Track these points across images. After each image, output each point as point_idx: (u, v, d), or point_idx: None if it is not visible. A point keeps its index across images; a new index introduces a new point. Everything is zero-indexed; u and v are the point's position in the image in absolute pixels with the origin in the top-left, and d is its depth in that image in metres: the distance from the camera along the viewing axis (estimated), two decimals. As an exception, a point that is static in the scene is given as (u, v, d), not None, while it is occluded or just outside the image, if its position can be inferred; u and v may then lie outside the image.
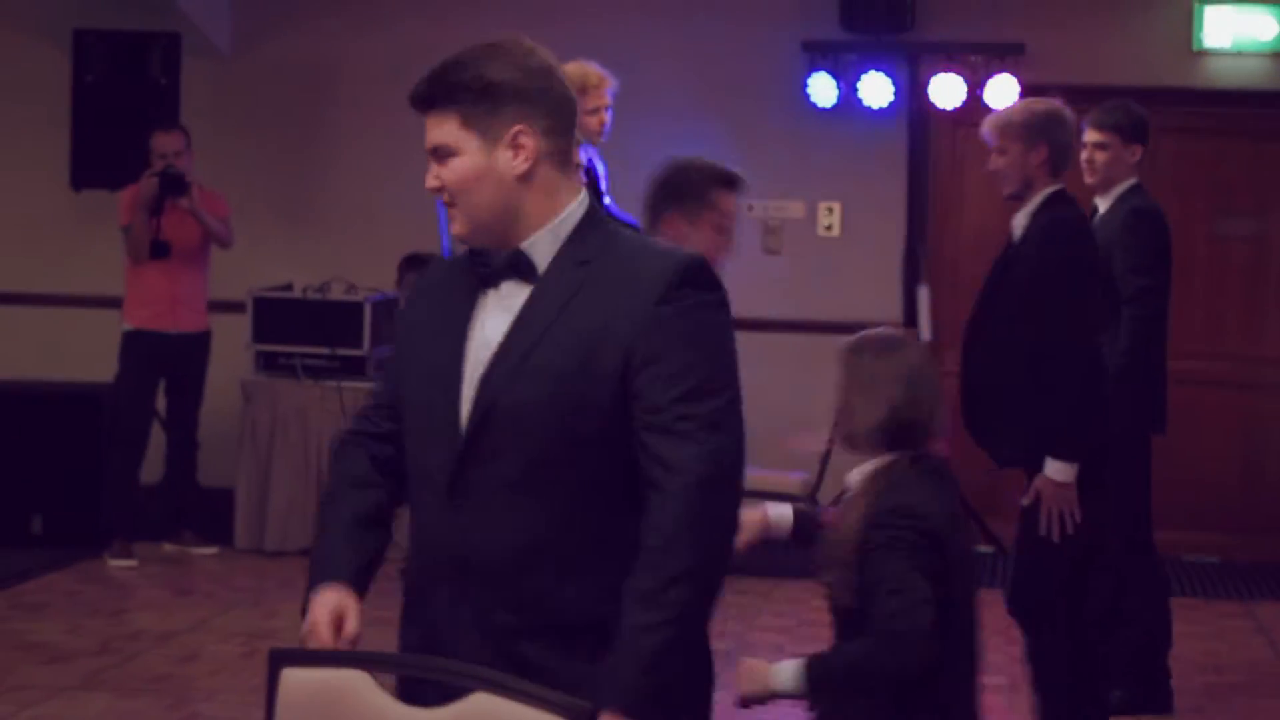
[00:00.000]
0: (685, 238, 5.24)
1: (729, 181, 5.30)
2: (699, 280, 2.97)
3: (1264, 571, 10.12)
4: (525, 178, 3.00)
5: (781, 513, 4.44)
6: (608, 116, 7.73)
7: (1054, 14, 10.26)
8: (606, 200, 8.49)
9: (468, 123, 3.00)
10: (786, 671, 4.21)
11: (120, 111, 10.28)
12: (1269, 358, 10.50)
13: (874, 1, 10.14)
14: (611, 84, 7.78)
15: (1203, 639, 8.45)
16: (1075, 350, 5.75)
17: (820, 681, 4.19)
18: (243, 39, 10.77)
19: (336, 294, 9.96)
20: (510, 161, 2.99)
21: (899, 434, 4.19)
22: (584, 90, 7.64)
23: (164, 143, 9.32)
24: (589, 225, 3.06)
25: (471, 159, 3.00)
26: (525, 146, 3.00)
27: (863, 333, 4.29)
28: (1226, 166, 10.45)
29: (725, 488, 2.95)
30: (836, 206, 10.54)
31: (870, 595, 4.17)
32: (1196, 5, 10.23)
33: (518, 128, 2.99)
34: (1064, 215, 5.95)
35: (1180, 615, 8.60)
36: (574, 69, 7.72)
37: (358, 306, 9.78)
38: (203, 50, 10.46)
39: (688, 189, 5.30)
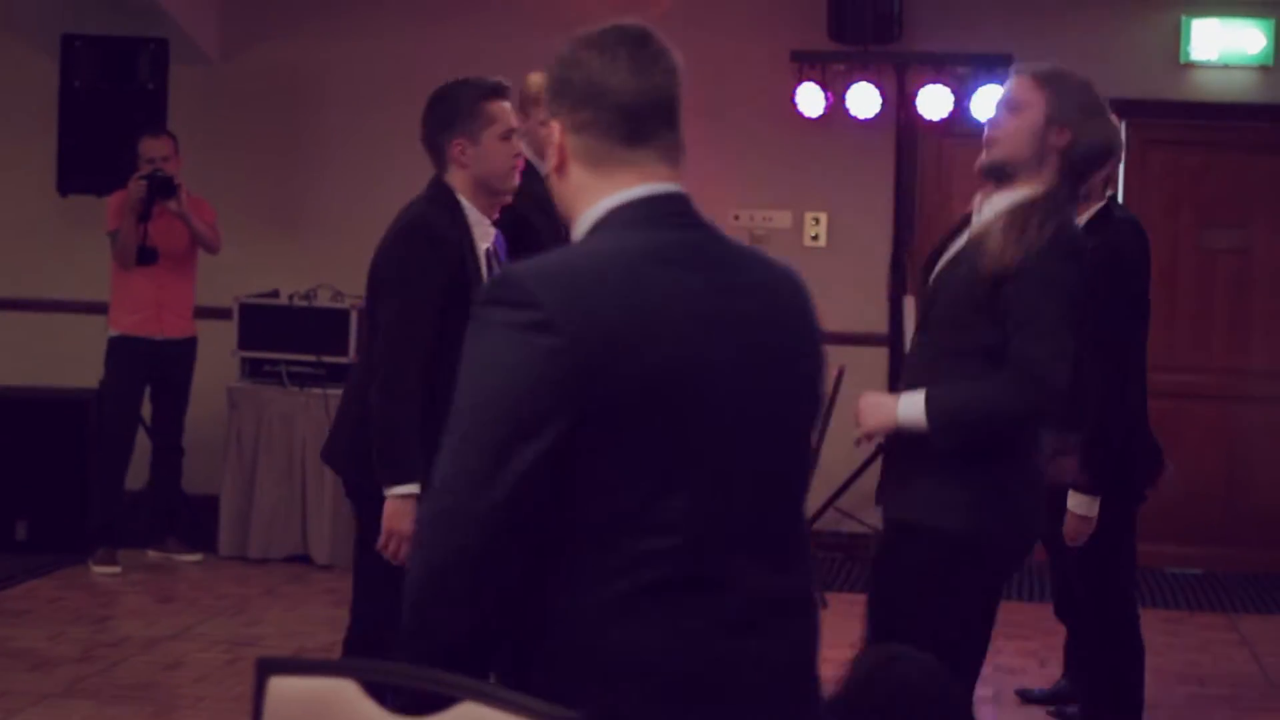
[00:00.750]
0: (476, 157, 5.39)
1: (496, 90, 5.45)
2: (490, 296, 2.73)
3: (1247, 584, 10.14)
4: (559, 173, 2.89)
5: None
6: None
7: (1041, 25, 10.28)
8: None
9: (549, 114, 2.90)
10: (910, 402, 4.28)
11: (108, 117, 10.25)
12: (1254, 370, 10.52)
13: (862, 12, 10.15)
14: None
15: (1185, 651, 8.47)
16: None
17: (942, 414, 4.26)
18: (230, 45, 10.77)
19: (323, 301, 9.95)
20: (551, 155, 2.89)
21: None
22: (536, 101, 7.60)
23: (152, 147, 9.31)
24: (594, 230, 2.84)
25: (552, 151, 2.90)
26: (553, 143, 2.87)
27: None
28: (1213, 179, 10.48)
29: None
30: (823, 216, 10.55)
31: (1012, 331, 4.28)
32: (1184, 18, 10.26)
33: (553, 122, 2.88)
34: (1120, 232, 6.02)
35: (1163, 627, 8.63)
36: (533, 78, 7.67)
37: (344, 314, 9.78)
38: (190, 56, 10.45)
39: (460, 110, 5.38)
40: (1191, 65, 10.32)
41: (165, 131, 9.57)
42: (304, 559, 9.79)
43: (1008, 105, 4.56)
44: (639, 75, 2.81)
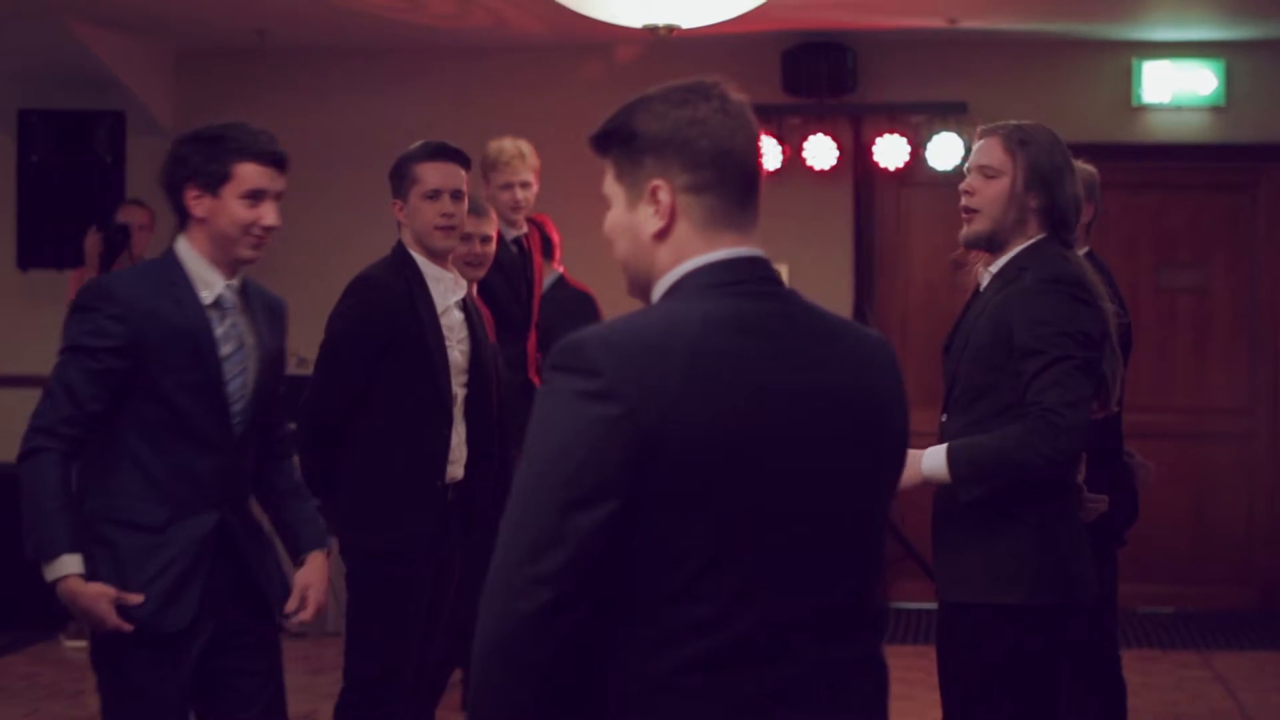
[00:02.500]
0: (408, 216, 5.62)
1: (430, 153, 5.61)
2: (555, 362, 2.66)
3: (1218, 621, 10.19)
4: (661, 236, 2.75)
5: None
6: (524, 194, 7.68)
7: (995, 72, 10.37)
8: (561, 269, 8.52)
9: (619, 175, 2.80)
10: (933, 456, 4.31)
11: (66, 190, 10.26)
12: (1216, 408, 10.59)
13: (816, 65, 10.23)
14: (532, 163, 7.76)
15: (1162, 690, 8.49)
16: None
17: (964, 465, 4.30)
18: (186, 115, 10.75)
19: (289, 368, 9.92)
20: (650, 217, 2.75)
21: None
22: (494, 166, 7.68)
23: (129, 215, 9.25)
24: (672, 291, 2.76)
25: (617, 212, 2.80)
26: (661, 203, 2.74)
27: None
28: (1169, 220, 10.56)
29: None
30: (784, 268, 10.58)
31: (1026, 380, 4.34)
32: (1135, 61, 10.35)
33: (655, 183, 2.74)
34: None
35: (1137, 667, 8.65)
36: (492, 145, 7.76)
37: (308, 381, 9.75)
38: (147, 128, 10.45)
39: (395, 174, 5.66)
40: (1144, 108, 10.42)
41: (142, 202, 9.50)
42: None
43: (981, 171, 4.59)
44: (749, 137, 2.75)
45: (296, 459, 5.09)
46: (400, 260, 5.61)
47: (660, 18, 7.37)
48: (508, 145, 7.76)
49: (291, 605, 4.76)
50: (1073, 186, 4.57)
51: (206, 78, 10.82)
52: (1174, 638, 9.78)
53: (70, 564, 4.42)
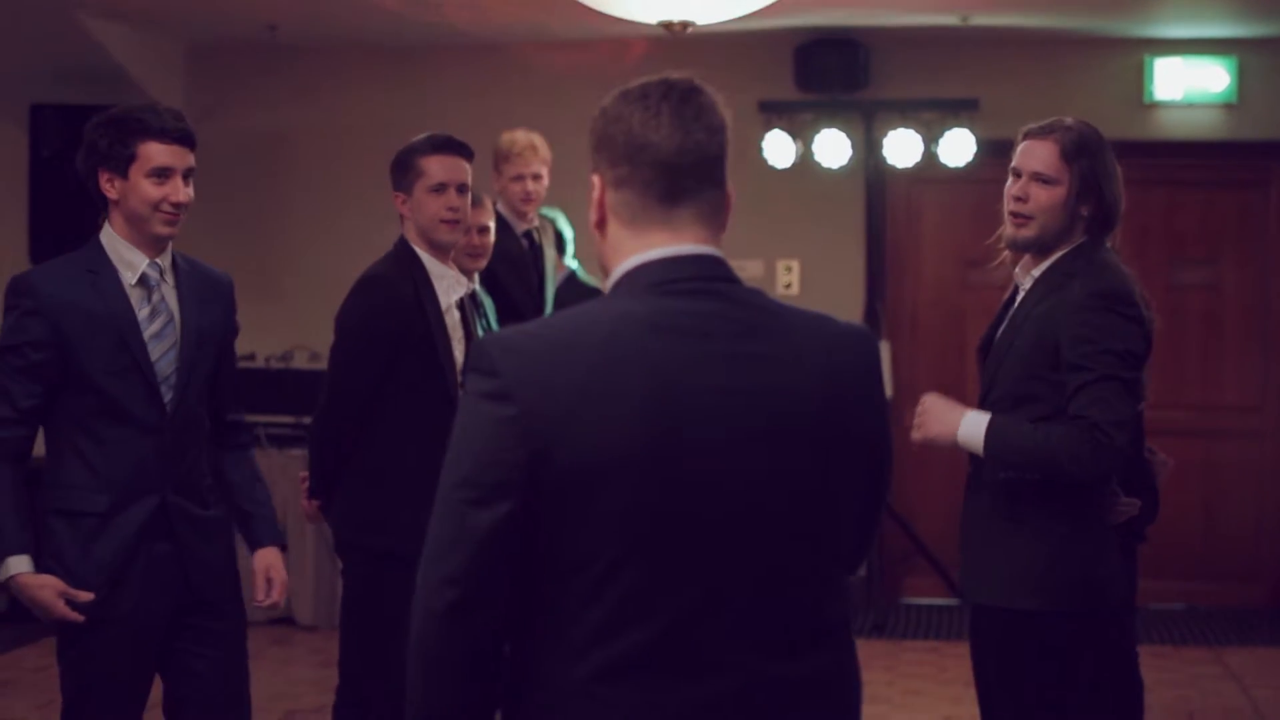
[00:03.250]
0: (411, 209, 5.61)
1: (435, 146, 5.59)
2: (468, 364, 2.66)
3: (1229, 617, 10.19)
4: (599, 228, 2.77)
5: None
6: (535, 186, 7.69)
7: (1007, 69, 10.36)
8: (573, 264, 8.52)
9: (591, 168, 2.79)
10: (973, 424, 4.33)
11: (78, 185, 10.23)
12: (1228, 405, 10.58)
13: (828, 61, 10.22)
14: (544, 155, 7.77)
15: (1174, 686, 8.49)
16: None
17: (1001, 447, 4.35)
18: (197, 110, 10.76)
19: (300, 363, 9.96)
20: (591, 210, 2.77)
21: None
22: (506, 158, 7.68)
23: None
24: (612, 291, 2.75)
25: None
26: (593, 197, 2.76)
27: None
28: (1180, 216, 10.55)
29: None
30: (795, 264, 10.59)
31: (1072, 393, 4.35)
32: (1147, 58, 10.35)
33: (592, 177, 2.76)
34: None
35: (1150, 663, 8.60)
36: (504, 138, 7.77)
37: (321, 375, 9.74)
38: (159, 122, 10.44)
39: (398, 167, 5.64)
40: (1156, 105, 10.41)
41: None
42: (288, 620, 9.76)
43: (1036, 178, 4.55)
44: (680, 131, 2.69)
45: (253, 452, 5.13)
46: (405, 257, 5.60)
47: (675, 14, 7.36)
48: (519, 137, 7.76)
49: (259, 592, 4.88)
50: (1119, 187, 4.57)
51: (218, 73, 10.83)
52: (1186, 634, 9.78)
53: (17, 564, 4.53)
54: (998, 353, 4.57)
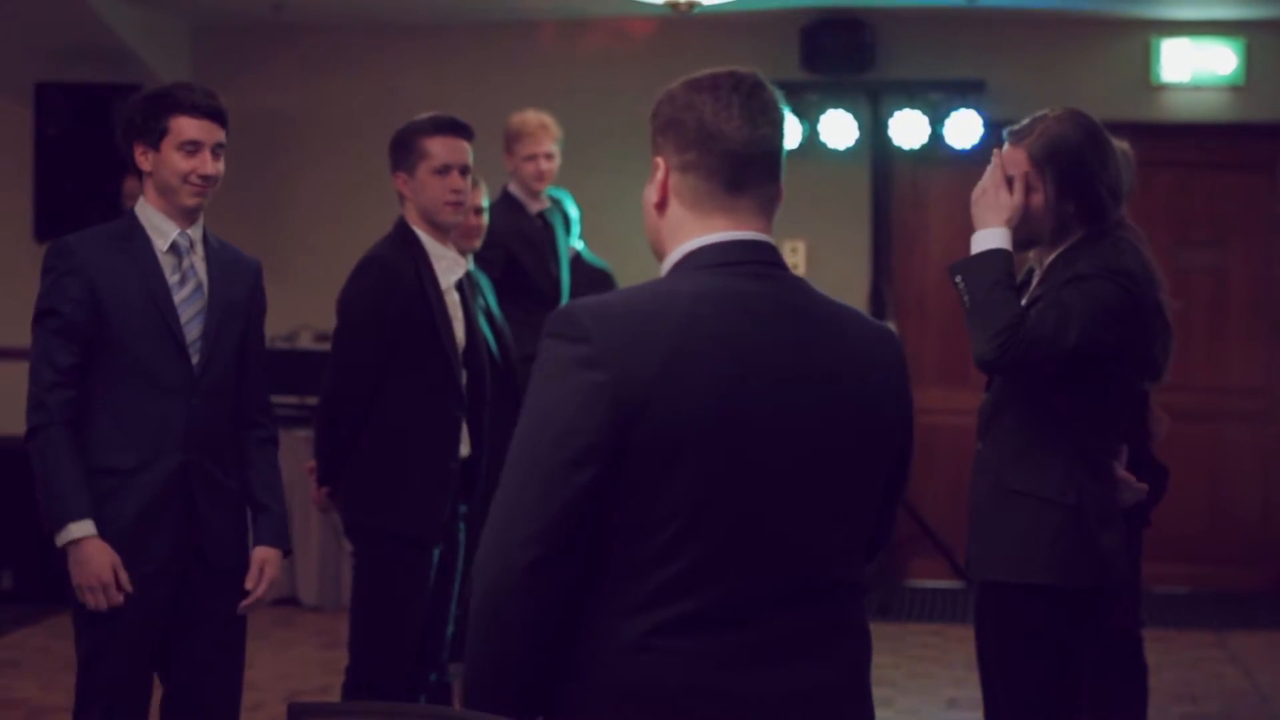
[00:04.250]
0: (414, 190, 5.62)
1: (438, 127, 5.56)
2: (551, 329, 2.80)
3: (1234, 601, 10.18)
4: (660, 209, 2.90)
5: None
6: (548, 165, 7.71)
7: (1013, 50, 10.34)
8: (579, 244, 8.52)
9: (654, 150, 2.93)
10: (985, 239, 4.46)
11: (83, 163, 10.25)
12: (1233, 388, 10.57)
13: (834, 42, 10.20)
14: (555, 133, 7.79)
15: (1177, 669, 8.48)
16: None
17: (972, 272, 4.46)
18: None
19: (305, 343, 9.95)
20: (652, 191, 2.90)
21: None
22: (518, 137, 7.69)
23: (132, 187, 9.26)
24: (674, 270, 2.89)
25: (646, 188, 2.93)
26: (657, 178, 2.89)
27: None
28: (1186, 199, 10.53)
29: None
30: (801, 245, 10.57)
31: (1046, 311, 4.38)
32: (1154, 39, 10.32)
33: (657, 159, 2.90)
34: None
35: (1153, 646, 8.61)
36: (515, 118, 7.77)
37: (326, 355, 9.73)
38: (164, 101, 10.43)
39: (400, 147, 5.61)
40: (1163, 86, 10.38)
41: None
42: (292, 601, 9.77)
43: (1017, 181, 4.54)
44: (749, 124, 2.83)
45: (277, 452, 5.13)
46: (406, 238, 5.61)
47: (683, -6, 7.35)
48: (530, 117, 7.77)
49: (251, 579, 4.92)
50: (1112, 173, 4.51)
51: (223, 51, 10.82)
52: (1190, 617, 9.77)
53: (80, 529, 4.65)
54: None
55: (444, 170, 5.56)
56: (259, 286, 5.09)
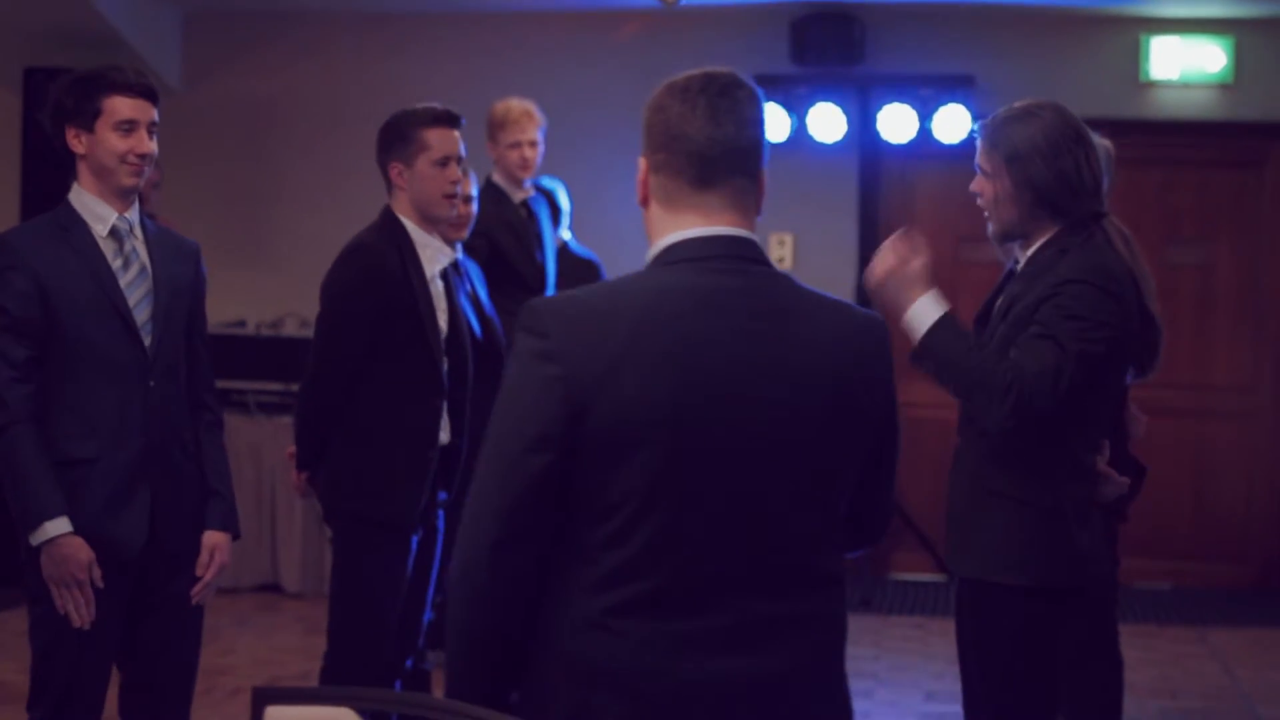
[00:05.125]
0: (411, 181, 5.60)
1: (437, 119, 5.55)
2: (519, 324, 2.94)
3: (1216, 598, 10.20)
4: (644, 206, 3.05)
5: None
6: (532, 153, 7.72)
7: (1003, 46, 10.35)
8: (567, 235, 8.52)
9: (643, 151, 3.06)
10: (923, 313, 4.37)
11: (71, 149, 10.21)
12: (1219, 385, 10.59)
13: (824, 35, 10.20)
14: (539, 121, 7.79)
15: (1157, 665, 8.51)
16: None
17: (931, 353, 4.36)
18: (193, 74, 10.77)
19: (290, 330, 9.95)
20: (638, 189, 3.05)
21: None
22: (502, 125, 7.69)
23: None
24: (651, 265, 3.01)
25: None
26: (639, 180, 3.04)
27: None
28: (1175, 196, 10.55)
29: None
30: (789, 239, 10.58)
31: (1023, 341, 4.32)
32: (1144, 37, 10.33)
33: (641, 159, 3.04)
34: None
35: (1133, 642, 8.65)
36: (499, 106, 7.77)
37: (310, 342, 9.76)
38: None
39: (397, 137, 5.57)
40: (1152, 84, 10.39)
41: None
42: (274, 587, 9.77)
43: (980, 171, 4.54)
44: (711, 123, 2.96)
45: (221, 435, 5.12)
46: (391, 226, 5.61)
47: (672, -14, 7.35)
48: (514, 105, 7.77)
49: (201, 565, 4.91)
50: (1078, 164, 4.48)
51: (214, 38, 10.81)
52: (1172, 614, 9.79)
53: (56, 526, 4.62)
54: (991, 328, 4.56)
55: (444, 162, 5.57)
56: (200, 268, 5.03)
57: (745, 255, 2.97)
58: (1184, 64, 10.32)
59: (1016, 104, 4.56)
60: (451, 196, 5.61)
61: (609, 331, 2.85)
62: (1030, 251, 4.53)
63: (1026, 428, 4.34)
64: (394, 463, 5.51)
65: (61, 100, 4.78)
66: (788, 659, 2.92)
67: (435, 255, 5.63)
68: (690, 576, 2.86)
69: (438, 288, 5.64)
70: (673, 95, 3.00)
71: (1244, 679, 8.38)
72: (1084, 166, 4.47)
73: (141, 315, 4.78)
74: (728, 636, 2.87)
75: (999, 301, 4.61)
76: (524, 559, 2.89)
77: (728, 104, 2.98)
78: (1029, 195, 4.46)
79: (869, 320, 3.03)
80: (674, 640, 2.86)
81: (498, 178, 7.92)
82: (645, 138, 3.02)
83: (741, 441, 2.87)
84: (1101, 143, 5.78)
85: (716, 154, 2.96)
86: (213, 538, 4.94)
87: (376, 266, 5.52)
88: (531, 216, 7.90)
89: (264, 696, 2.74)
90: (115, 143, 4.73)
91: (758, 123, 3.01)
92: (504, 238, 7.36)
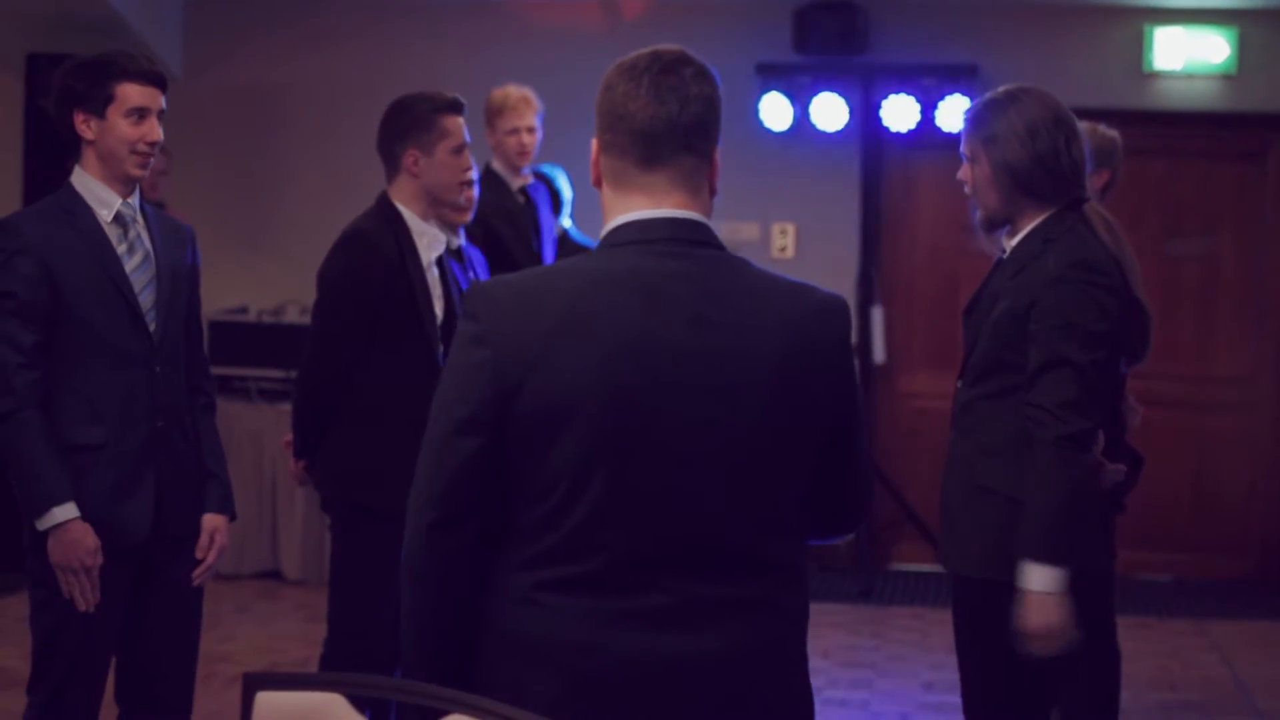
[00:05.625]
0: (428, 168, 5.58)
1: (452, 106, 5.58)
2: (461, 308, 3.00)
3: (1216, 590, 10.19)
4: (598, 187, 3.05)
5: None
6: (530, 139, 7.70)
7: (1006, 35, 10.33)
8: (568, 223, 8.51)
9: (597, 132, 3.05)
10: (1026, 574, 4.26)
11: (73, 135, 10.20)
12: (1220, 377, 10.57)
13: (827, 24, 10.18)
14: (536, 107, 7.78)
15: (1157, 657, 8.50)
16: None
17: (1041, 552, 4.26)
18: (195, 62, 10.76)
19: (291, 317, 9.94)
20: (591, 170, 3.05)
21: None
22: (500, 112, 7.67)
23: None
24: (600, 247, 3.01)
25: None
26: (591, 159, 3.05)
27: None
28: (1177, 187, 10.53)
29: None
30: (791, 228, 10.57)
31: (1031, 374, 4.32)
32: (1147, 27, 10.31)
33: (594, 140, 3.04)
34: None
35: (1133, 634, 8.65)
36: (496, 92, 7.75)
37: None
38: (156, 73, 10.41)
39: (416, 124, 5.54)
40: (1155, 74, 10.38)
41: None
42: (275, 574, 9.78)
43: (964, 157, 4.54)
44: (655, 102, 2.94)
45: (214, 417, 5.15)
46: (388, 213, 5.59)
47: (671, -27, 7.33)
48: (512, 91, 7.75)
49: (201, 547, 4.93)
50: (1055, 150, 4.44)
51: (216, 25, 10.79)
52: (1171, 606, 9.78)
53: (63, 512, 4.62)
54: (978, 318, 4.55)
55: (459, 150, 5.57)
56: (196, 252, 5.04)
57: (690, 238, 2.95)
58: (1188, 54, 10.31)
59: (1000, 89, 4.55)
60: (465, 184, 5.61)
61: (540, 314, 2.87)
62: (1015, 240, 4.51)
63: (1090, 439, 4.33)
64: (391, 451, 5.50)
65: (70, 84, 4.76)
66: (728, 641, 2.91)
67: (431, 242, 5.62)
68: (625, 558, 2.87)
69: (434, 274, 5.63)
70: (620, 74, 2.99)
71: (1244, 671, 8.38)
72: (1063, 151, 4.44)
73: (147, 301, 4.79)
74: (664, 616, 2.88)
75: (985, 293, 4.59)
76: (460, 540, 2.92)
77: (672, 81, 2.96)
78: (1007, 179, 4.44)
79: (826, 301, 3.01)
80: (608, 617, 2.87)
81: (496, 164, 7.91)
82: (596, 118, 3.01)
83: (675, 425, 2.86)
84: (1109, 133, 5.77)
85: (660, 132, 2.94)
86: (212, 520, 4.95)
87: (374, 252, 5.50)
88: (530, 203, 7.88)
89: (255, 682, 2.74)
90: (126, 130, 4.73)
91: (704, 100, 2.98)
92: (500, 225, 7.35)
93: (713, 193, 3.02)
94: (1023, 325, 4.36)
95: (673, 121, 2.94)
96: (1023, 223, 4.49)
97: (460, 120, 5.60)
